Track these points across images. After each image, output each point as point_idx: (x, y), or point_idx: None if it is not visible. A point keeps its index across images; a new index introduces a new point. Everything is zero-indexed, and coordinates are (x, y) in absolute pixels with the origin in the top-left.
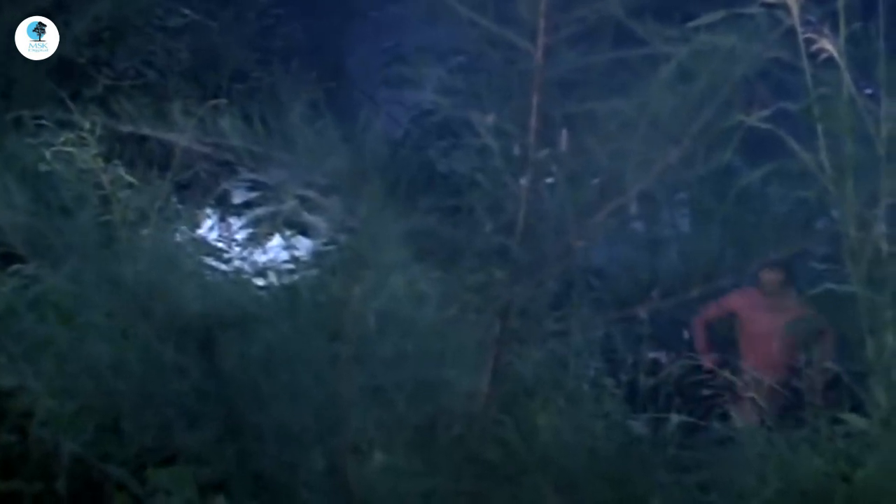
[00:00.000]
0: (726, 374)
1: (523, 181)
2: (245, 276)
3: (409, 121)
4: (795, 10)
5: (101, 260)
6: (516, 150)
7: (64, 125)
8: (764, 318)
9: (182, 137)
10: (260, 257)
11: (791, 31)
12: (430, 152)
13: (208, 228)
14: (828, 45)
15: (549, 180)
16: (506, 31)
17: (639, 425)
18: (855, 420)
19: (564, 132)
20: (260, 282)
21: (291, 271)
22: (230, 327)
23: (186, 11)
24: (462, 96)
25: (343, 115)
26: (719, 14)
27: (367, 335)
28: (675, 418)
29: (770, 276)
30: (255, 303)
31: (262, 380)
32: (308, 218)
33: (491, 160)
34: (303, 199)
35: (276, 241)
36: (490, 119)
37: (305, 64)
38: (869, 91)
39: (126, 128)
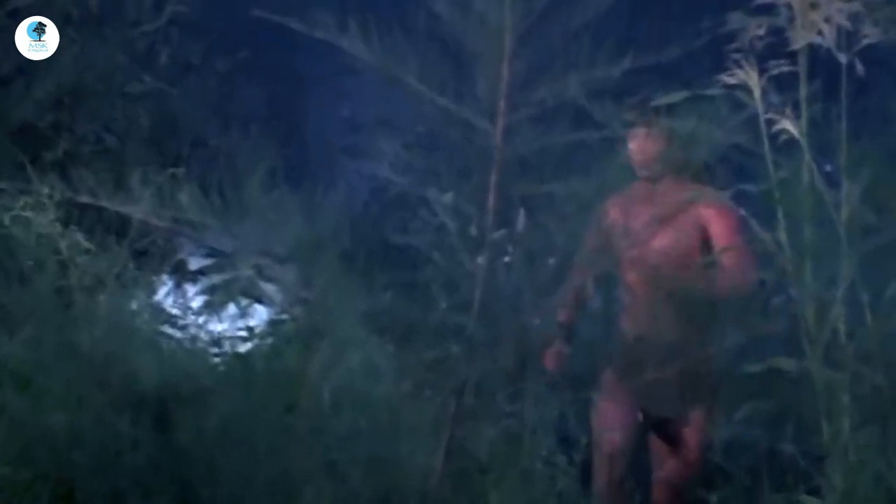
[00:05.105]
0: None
1: (480, 259)
2: (200, 345)
3: (367, 193)
4: (757, 92)
5: (58, 326)
6: (473, 230)
7: (22, 189)
8: (640, 211)
9: (139, 209)
10: (215, 326)
11: (752, 112)
12: (387, 226)
13: (164, 294)
14: (789, 126)
15: (506, 259)
16: (465, 110)
17: None
18: (812, 502)
19: (522, 211)
20: (215, 350)
21: (246, 339)
22: (185, 399)
23: (146, 78)
24: (420, 172)
25: (301, 183)
26: (681, 95)
27: (321, 409)
28: None
29: (637, 135)
30: (211, 373)
31: (216, 452)
32: (264, 287)
33: (448, 238)
34: (259, 269)
35: (232, 309)
36: (448, 197)
37: (264, 131)
38: (828, 168)
39: (84, 198)
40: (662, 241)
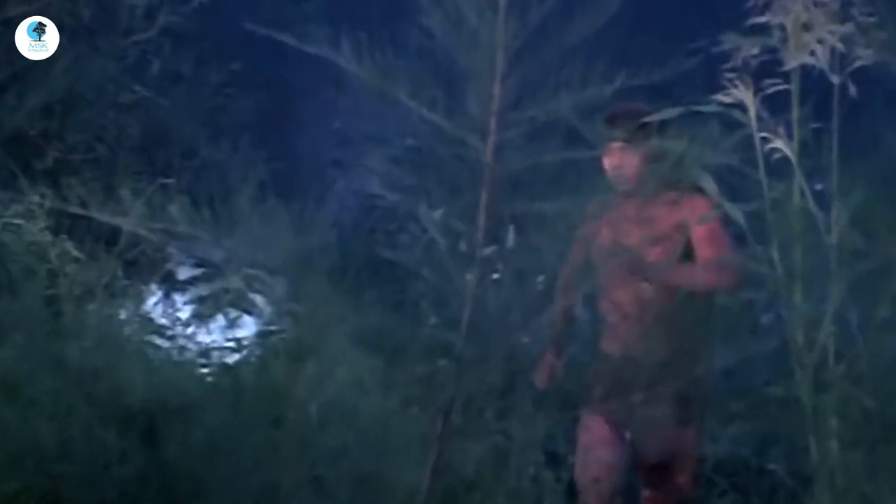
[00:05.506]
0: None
1: (469, 276)
2: (189, 356)
3: (357, 207)
4: (752, 111)
5: (47, 336)
6: (463, 247)
7: (13, 197)
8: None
9: (129, 220)
10: (204, 337)
11: (744, 132)
12: (377, 241)
13: (153, 305)
14: (782, 146)
15: (495, 276)
16: (456, 128)
17: None
18: None
19: (512, 229)
20: (203, 361)
21: (234, 351)
22: (173, 411)
23: (138, 88)
24: (410, 188)
25: (291, 196)
26: (674, 111)
27: (309, 424)
28: None
29: (613, 150)
30: (198, 385)
31: (203, 465)
32: (253, 298)
33: (437, 254)
34: (248, 280)
35: (220, 320)
36: (438, 213)
37: (255, 143)
38: (819, 187)
39: (74, 208)
40: (652, 258)
